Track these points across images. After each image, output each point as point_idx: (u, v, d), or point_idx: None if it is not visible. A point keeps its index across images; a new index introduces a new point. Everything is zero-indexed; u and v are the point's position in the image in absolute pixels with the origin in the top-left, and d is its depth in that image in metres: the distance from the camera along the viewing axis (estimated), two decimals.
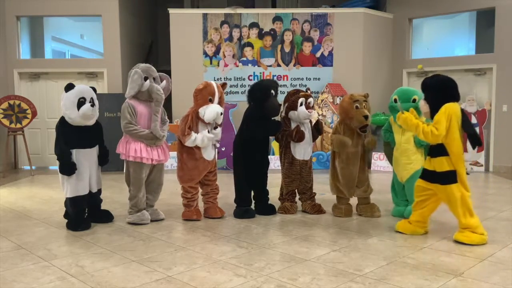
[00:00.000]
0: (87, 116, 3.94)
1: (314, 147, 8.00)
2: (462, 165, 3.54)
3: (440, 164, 3.54)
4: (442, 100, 3.53)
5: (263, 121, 4.42)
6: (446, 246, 3.48)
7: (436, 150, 3.55)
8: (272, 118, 4.50)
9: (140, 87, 4.08)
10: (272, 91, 4.41)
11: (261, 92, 4.41)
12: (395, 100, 4.35)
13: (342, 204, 4.50)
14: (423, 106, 3.66)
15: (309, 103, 4.49)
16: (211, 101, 4.21)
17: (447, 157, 3.50)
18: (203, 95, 4.21)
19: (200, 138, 4.19)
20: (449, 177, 3.51)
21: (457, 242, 3.54)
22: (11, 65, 8.53)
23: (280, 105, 4.45)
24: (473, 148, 3.75)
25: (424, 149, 4.34)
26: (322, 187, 5.50)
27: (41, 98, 8.61)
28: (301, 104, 4.46)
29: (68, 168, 3.88)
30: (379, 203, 4.57)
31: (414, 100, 4.24)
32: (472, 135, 3.55)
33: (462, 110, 3.58)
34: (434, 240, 3.65)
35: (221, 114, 4.23)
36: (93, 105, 3.97)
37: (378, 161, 8.04)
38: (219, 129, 4.34)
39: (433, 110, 3.56)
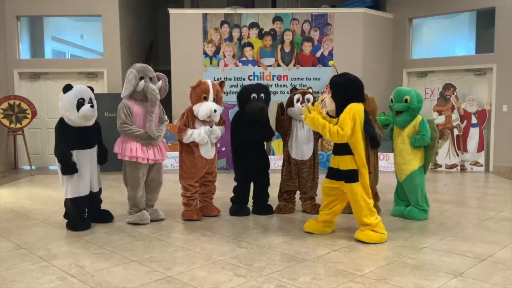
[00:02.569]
0: (87, 117, 3.93)
1: None
2: (365, 164, 3.57)
3: (344, 163, 3.58)
4: (348, 99, 3.56)
5: (245, 126, 4.44)
6: (446, 246, 3.48)
7: (341, 149, 3.58)
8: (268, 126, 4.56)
9: (135, 87, 4.08)
10: (254, 95, 4.42)
11: (243, 96, 4.47)
12: (392, 101, 4.37)
13: None
14: (330, 103, 3.69)
15: (307, 99, 4.49)
16: (205, 98, 4.22)
17: (351, 156, 3.54)
18: (197, 93, 4.23)
19: (197, 132, 4.20)
20: (352, 176, 3.55)
21: (357, 241, 3.58)
22: (11, 65, 8.52)
23: (262, 107, 4.39)
24: (371, 147, 3.74)
25: (425, 149, 4.34)
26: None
27: (41, 98, 8.61)
28: (297, 101, 4.48)
29: (70, 168, 3.88)
30: (379, 203, 4.57)
31: (406, 100, 4.24)
32: (372, 137, 3.60)
33: (366, 111, 3.61)
34: (434, 240, 3.65)
35: (215, 111, 4.20)
36: (92, 105, 3.96)
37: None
38: (215, 127, 4.32)
39: (339, 108, 3.59)
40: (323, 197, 3.80)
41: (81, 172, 3.95)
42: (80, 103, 3.89)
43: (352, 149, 3.54)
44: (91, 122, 4.03)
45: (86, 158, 4.00)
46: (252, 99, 4.41)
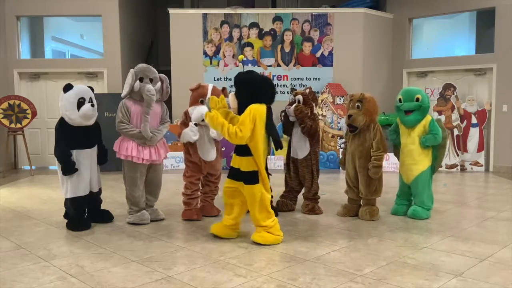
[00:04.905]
0: (88, 116, 3.93)
1: None
2: (263, 166, 3.53)
3: (246, 164, 3.50)
4: (251, 98, 3.47)
5: None
6: (446, 246, 3.48)
7: (243, 149, 3.51)
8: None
9: (132, 87, 4.08)
10: None
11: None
12: (400, 100, 4.33)
13: (346, 203, 4.60)
14: (233, 101, 3.57)
15: (298, 100, 4.51)
16: (202, 102, 4.23)
17: (252, 157, 3.48)
18: (194, 96, 4.29)
19: (185, 131, 4.23)
20: (252, 177, 3.49)
21: (254, 242, 3.53)
22: (11, 65, 8.52)
23: None
24: (275, 150, 3.73)
25: (434, 148, 4.33)
26: (321, 187, 5.48)
27: (41, 98, 8.61)
28: (298, 102, 4.52)
29: (69, 168, 3.88)
30: (379, 203, 4.57)
31: (417, 99, 4.22)
32: (275, 140, 3.56)
33: (269, 112, 3.52)
34: (434, 240, 3.65)
35: None
36: (93, 105, 3.97)
37: None
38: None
39: (241, 107, 3.51)
40: (224, 198, 3.70)
41: (81, 172, 3.95)
42: (80, 103, 3.89)
43: (252, 151, 3.46)
44: (91, 122, 4.03)
45: (86, 158, 4.01)
46: None
